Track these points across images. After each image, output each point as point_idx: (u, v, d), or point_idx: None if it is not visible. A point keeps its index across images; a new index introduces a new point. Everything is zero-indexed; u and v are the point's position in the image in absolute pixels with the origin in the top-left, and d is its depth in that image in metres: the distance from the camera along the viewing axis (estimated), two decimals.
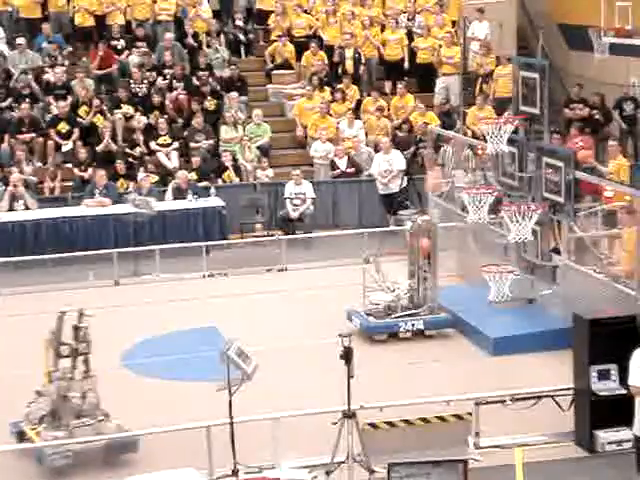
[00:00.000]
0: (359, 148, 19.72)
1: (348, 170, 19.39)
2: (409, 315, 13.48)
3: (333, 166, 19.48)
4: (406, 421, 9.87)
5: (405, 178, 18.51)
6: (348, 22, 21.73)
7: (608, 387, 10.02)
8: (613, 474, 9.25)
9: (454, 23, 22.11)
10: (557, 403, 10.36)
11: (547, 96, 13.26)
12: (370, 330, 13.33)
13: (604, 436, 10.03)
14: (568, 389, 10.36)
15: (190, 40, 21.53)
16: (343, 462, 9.32)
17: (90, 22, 21.49)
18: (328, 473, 9.34)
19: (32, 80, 20.04)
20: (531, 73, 13.44)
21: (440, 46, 21.43)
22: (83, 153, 18.98)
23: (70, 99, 19.88)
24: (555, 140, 16.96)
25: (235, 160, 19.33)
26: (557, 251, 13.40)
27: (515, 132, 13.53)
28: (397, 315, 13.48)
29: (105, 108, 19.84)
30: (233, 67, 21.07)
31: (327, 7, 22.01)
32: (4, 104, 19.77)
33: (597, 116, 20.01)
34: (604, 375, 10.06)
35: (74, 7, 21.49)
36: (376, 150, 19.60)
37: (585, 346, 10.08)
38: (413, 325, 13.39)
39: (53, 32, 21.17)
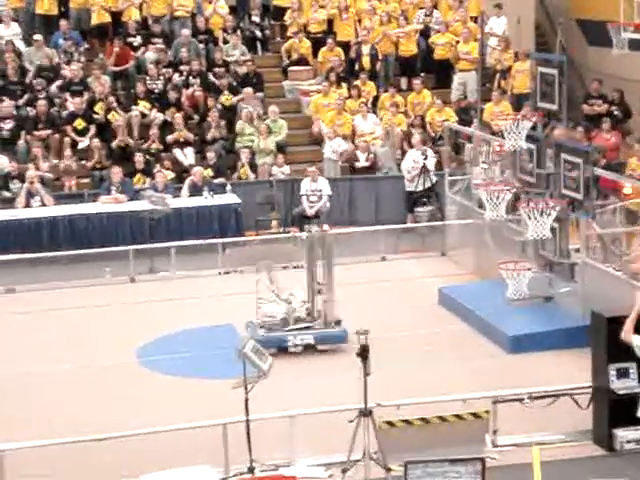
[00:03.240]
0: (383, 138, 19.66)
1: (366, 164, 19.33)
2: (299, 329, 12.89)
3: (354, 159, 19.40)
4: (423, 419, 9.81)
5: (432, 177, 18.30)
6: (368, 17, 21.65)
7: (627, 385, 9.95)
8: (632, 473, 9.18)
9: (472, 19, 22.00)
10: (575, 401, 10.29)
11: (565, 92, 13.18)
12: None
13: (623, 435, 9.96)
14: (586, 387, 10.29)
15: (204, 36, 21.52)
16: (359, 460, 9.28)
17: (106, 18, 21.50)
18: (344, 471, 9.30)
19: (49, 76, 20.08)
20: (549, 69, 13.36)
21: (457, 42, 21.35)
22: (99, 149, 19.00)
23: (86, 96, 19.90)
24: (579, 134, 16.96)
25: (252, 155, 19.30)
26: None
27: (533, 128, 13.44)
28: (288, 328, 12.89)
29: (116, 105, 19.77)
30: (249, 63, 21.04)
31: (339, 3, 21.93)
32: (21, 101, 19.80)
33: (616, 112, 19.90)
34: (623, 373, 10.00)
35: (91, 4, 21.50)
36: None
37: (603, 344, 10.01)
38: (302, 339, 12.83)
39: (71, 29, 21.18)
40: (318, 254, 13.05)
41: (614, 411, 9.99)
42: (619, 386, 9.97)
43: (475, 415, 9.95)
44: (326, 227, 13.57)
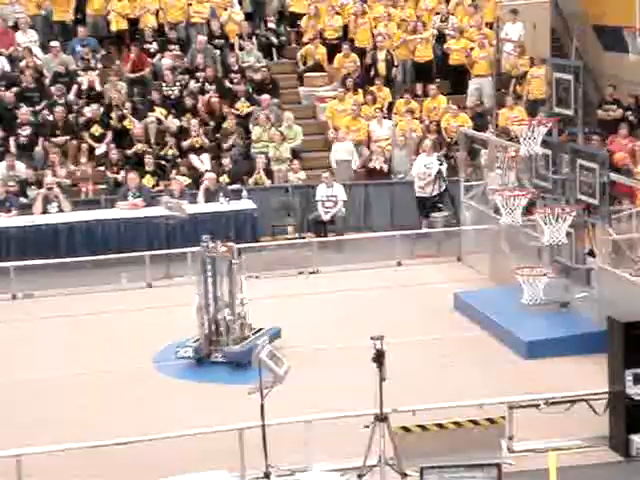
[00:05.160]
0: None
1: (379, 168, 19.33)
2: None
3: (369, 162, 19.43)
4: (439, 424, 9.81)
5: (443, 183, 18.31)
6: (384, 24, 21.66)
7: None
8: None
9: (488, 24, 21.98)
10: (592, 407, 10.27)
11: (581, 97, 13.17)
12: None
13: (639, 440, 9.91)
14: (603, 393, 10.26)
15: (220, 42, 21.58)
16: (375, 465, 9.28)
17: (124, 25, 21.58)
18: (360, 476, 9.30)
19: (66, 83, 20.18)
20: (565, 74, 13.35)
21: (472, 48, 21.34)
22: (115, 155, 19.08)
23: (103, 102, 19.98)
24: (595, 142, 16.92)
25: (268, 161, 19.33)
26: (592, 254, 13.29)
27: (549, 134, 13.43)
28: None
29: (131, 111, 19.80)
30: (265, 69, 21.09)
31: (356, 8, 21.94)
32: (38, 107, 19.90)
33: (631, 117, 19.87)
34: (639, 379, 9.96)
35: (108, 11, 21.60)
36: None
37: (620, 350, 9.98)
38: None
39: (89, 35, 21.28)
40: (215, 270, 12.84)
41: (630, 417, 9.96)
42: (635, 392, 9.92)
43: (491, 421, 9.93)
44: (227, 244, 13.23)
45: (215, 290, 12.87)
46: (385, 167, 19.53)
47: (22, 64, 20.34)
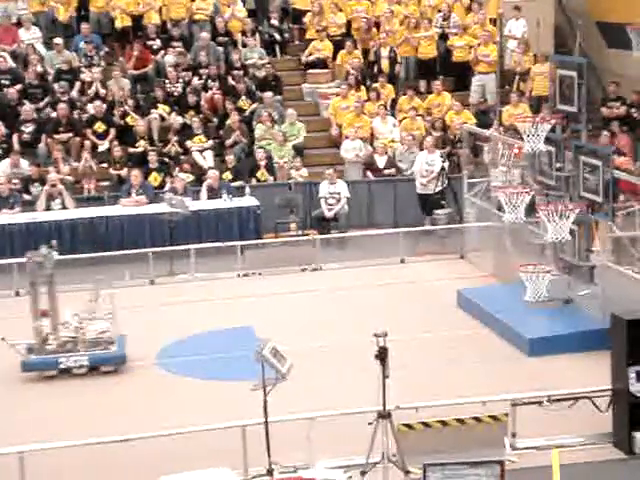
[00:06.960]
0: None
1: (386, 170, 19.29)
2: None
3: (372, 163, 19.38)
4: (442, 422, 9.80)
5: (445, 180, 18.30)
6: (387, 21, 21.63)
7: None
8: None
9: (491, 21, 21.96)
10: (595, 404, 10.25)
11: (585, 95, 13.14)
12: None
13: None
14: (606, 390, 10.25)
15: (223, 39, 21.56)
16: (378, 462, 9.28)
17: (127, 22, 21.57)
18: (363, 473, 9.29)
19: (69, 80, 20.19)
20: (569, 71, 13.33)
21: (479, 44, 21.30)
22: (118, 152, 19.07)
23: (106, 99, 19.97)
24: (604, 138, 16.96)
25: (270, 159, 19.32)
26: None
27: (552, 131, 13.41)
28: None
29: (133, 108, 19.79)
30: (268, 66, 21.08)
31: (363, 22, 21.78)
32: (41, 104, 19.90)
33: (635, 114, 19.83)
34: None
35: (113, 8, 21.60)
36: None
37: (623, 347, 9.96)
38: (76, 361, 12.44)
39: (92, 32, 21.27)
40: (40, 277, 12.74)
41: (634, 414, 9.94)
42: (639, 389, 9.90)
43: (494, 418, 9.93)
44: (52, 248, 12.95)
45: (34, 299, 12.68)
46: (388, 164, 19.50)
47: (25, 61, 20.35)
